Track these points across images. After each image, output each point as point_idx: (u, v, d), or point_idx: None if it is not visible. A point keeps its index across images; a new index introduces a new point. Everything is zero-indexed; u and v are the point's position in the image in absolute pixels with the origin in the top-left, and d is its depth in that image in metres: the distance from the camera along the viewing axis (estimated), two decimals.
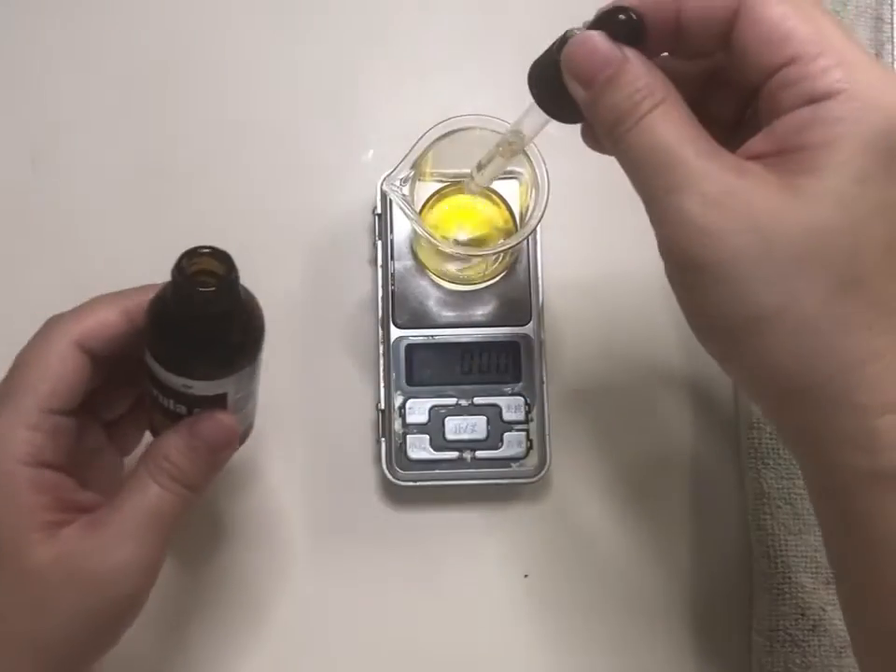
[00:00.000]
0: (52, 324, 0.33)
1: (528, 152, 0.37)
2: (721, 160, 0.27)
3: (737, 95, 0.30)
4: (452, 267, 0.43)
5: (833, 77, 0.26)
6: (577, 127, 0.47)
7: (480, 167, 0.36)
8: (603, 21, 0.28)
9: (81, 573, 0.30)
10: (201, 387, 0.31)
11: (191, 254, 0.28)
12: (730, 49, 0.28)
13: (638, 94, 0.27)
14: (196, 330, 0.29)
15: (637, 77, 0.27)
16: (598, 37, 0.28)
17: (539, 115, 0.32)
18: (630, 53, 0.27)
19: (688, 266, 0.27)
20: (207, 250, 0.29)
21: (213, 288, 0.28)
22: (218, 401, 0.32)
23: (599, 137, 0.30)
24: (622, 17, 0.28)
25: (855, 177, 0.25)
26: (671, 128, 0.27)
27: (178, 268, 0.28)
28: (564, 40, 0.29)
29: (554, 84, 0.29)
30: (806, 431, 0.28)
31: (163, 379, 0.31)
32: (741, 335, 0.27)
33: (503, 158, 0.35)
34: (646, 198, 0.28)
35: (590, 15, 0.29)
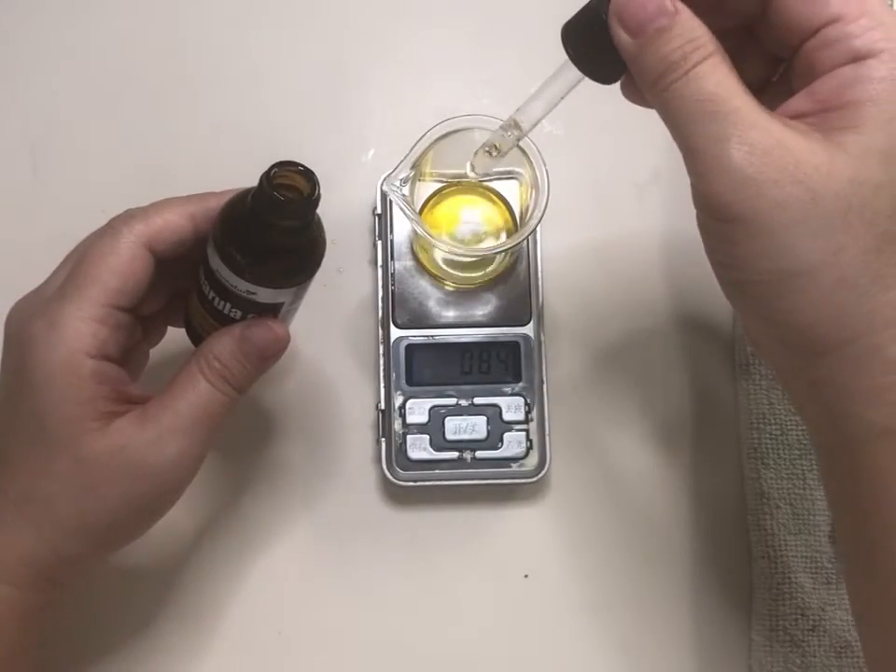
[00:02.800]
0: (122, 222, 0.33)
1: (528, 152, 0.37)
2: (767, 113, 0.27)
3: (766, 59, 0.31)
4: (452, 267, 0.43)
5: (874, 36, 0.26)
6: (577, 127, 0.47)
7: (490, 145, 0.36)
8: None
9: (133, 463, 0.32)
10: (264, 295, 0.32)
11: (282, 165, 0.30)
12: (770, 9, 0.28)
13: (689, 45, 0.27)
14: (273, 239, 0.31)
15: (690, 28, 0.27)
16: None
17: (570, 76, 0.31)
18: (680, 6, 0.28)
19: (728, 217, 0.27)
20: (298, 167, 0.30)
21: (297, 202, 0.30)
22: (273, 310, 0.33)
23: (642, 88, 0.29)
24: None
25: None
26: (721, 79, 0.27)
27: (267, 177, 0.30)
28: None
29: (594, 39, 0.29)
30: (827, 386, 0.28)
31: (228, 283, 0.32)
32: (777, 289, 0.27)
33: (520, 130, 0.34)
34: (688, 147, 0.28)
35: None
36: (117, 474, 0.32)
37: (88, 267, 0.32)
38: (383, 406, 0.42)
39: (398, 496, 0.43)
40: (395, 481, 0.42)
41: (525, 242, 0.43)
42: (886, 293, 0.26)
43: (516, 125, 0.34)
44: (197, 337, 0.35)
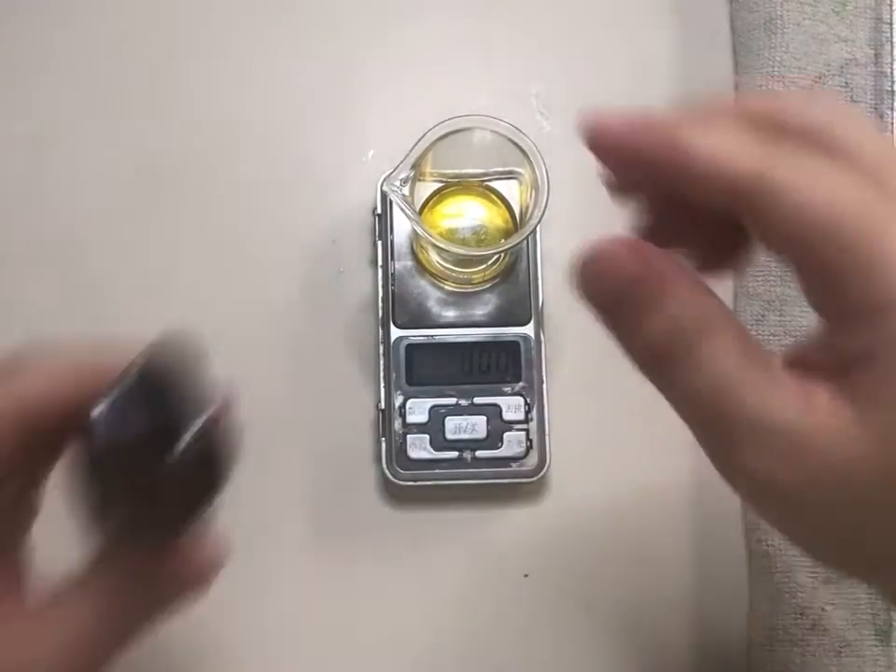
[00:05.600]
0: None
1: (528, 152, 0.37)
2: (781, 397, 0.21)
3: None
4: (452, 267, 0.43)
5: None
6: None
7: None
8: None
9: None
10: None
11: None
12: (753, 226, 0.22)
13: (681, 323, 0.22)
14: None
15: (679, 300, 0.22)
16: (620, 246, 0.23)
17: None
18: (663, 264, 0.22)
19: (778, 519, 0.24)
20: None
21: None
22: None
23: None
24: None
25: None
26: (722, 363, 0.21)
27: None
28: None
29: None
30: None
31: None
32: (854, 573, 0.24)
33: None
34: (702, 446, 0.23)
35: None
36: None
37: None
38: (383, 406, 0.42)
39: (397, 495, 0.43)
40: (395, 480, 0.42)
41: (525, 242, 0.43)
42: None
43: None
44: None
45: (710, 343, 0.21)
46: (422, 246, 0.43)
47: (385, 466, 0.42)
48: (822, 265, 0.20)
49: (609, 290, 0.22)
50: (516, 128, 0.37)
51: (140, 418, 0.23)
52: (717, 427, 0.22)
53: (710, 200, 0.22)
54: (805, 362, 0.22)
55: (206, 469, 0.26)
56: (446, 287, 0.43)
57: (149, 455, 0.24)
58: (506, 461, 0.42)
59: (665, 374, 0.22)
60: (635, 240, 0.23)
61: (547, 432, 0.42)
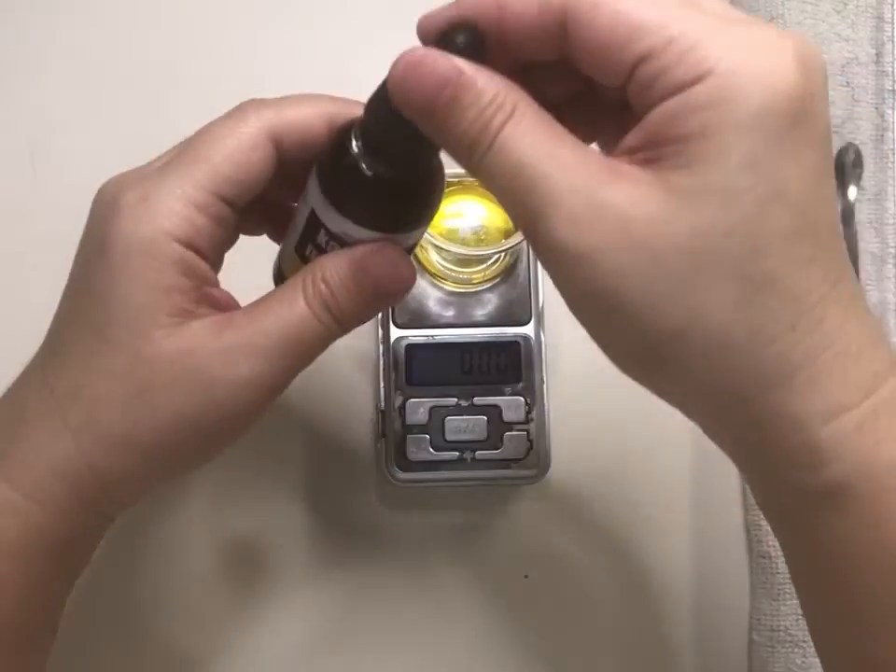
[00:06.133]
0: (252, 106, 0.29)
1: None
2: (587, 167, 0.23)
3: (577, 78, 0.26)
4: (452, 267, 0.43)
5: (692, 59, 0.22)
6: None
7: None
8: (435, 40, 0.24)
9: (198, 372, 0.27)
10: (364, 236, 0.28)
11: None
12: (572, 60, 0.24)
13: (488, 112, 0.23)
14: (387, 173, 0.27)
15: (482, 89, 0.23)
16: (423, 53, 0.24)
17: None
18: (463, 64, 0.23)
19: (577, 298, 0.24)
20: None
21: (418, 128, 0.25)
22: None
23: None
24: (456, 31, 0.24)
25: (740, 165, 0.22)
26: (526, 141, 0.23)
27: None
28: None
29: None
30: (749, 451, 0.25)
31: (324, 217, 0.28)
32: (653, 362, 0.24)
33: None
34: (517, 226, 0.25)
35: None
36: (177, 381, 0.27)
37: (200, 145, 0.28)
38: (383, 406, 0.42)
39: (397, 496, 0.43)
40: (395, 481, 0.42)
41: (525, 242, 0.43)
42: (769, 345, 0.23)
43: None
44: None
45: (518, 122, 0.23)
46: (422, 246, 0.43)
47: (384, 466, 0.42)
48: (639, 59, 0.22)
49: (423, 96, 0.24)
50: None
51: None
52: (525, 201, 0.23)
53: (543, 38, 0.24)
54: (618, 152, 0.24)
55: (430, 195, 0.28)
56: (446, 286, 0.43)
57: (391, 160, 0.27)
58: (506, 462, 0.42)
59: (481, 163, 0.24)
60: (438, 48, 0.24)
61: (547, 432, 0.42)
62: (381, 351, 0.43)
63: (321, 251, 0.29)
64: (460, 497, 0.43)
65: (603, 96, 0.25)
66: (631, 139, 0.23)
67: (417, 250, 0.43)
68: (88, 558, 0.30)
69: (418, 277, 0.43)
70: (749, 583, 0.43)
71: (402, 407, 0.42)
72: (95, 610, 0.42)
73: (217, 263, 0.31)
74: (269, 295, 0.29)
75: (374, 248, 0.28)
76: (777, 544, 0.41)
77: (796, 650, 0.41)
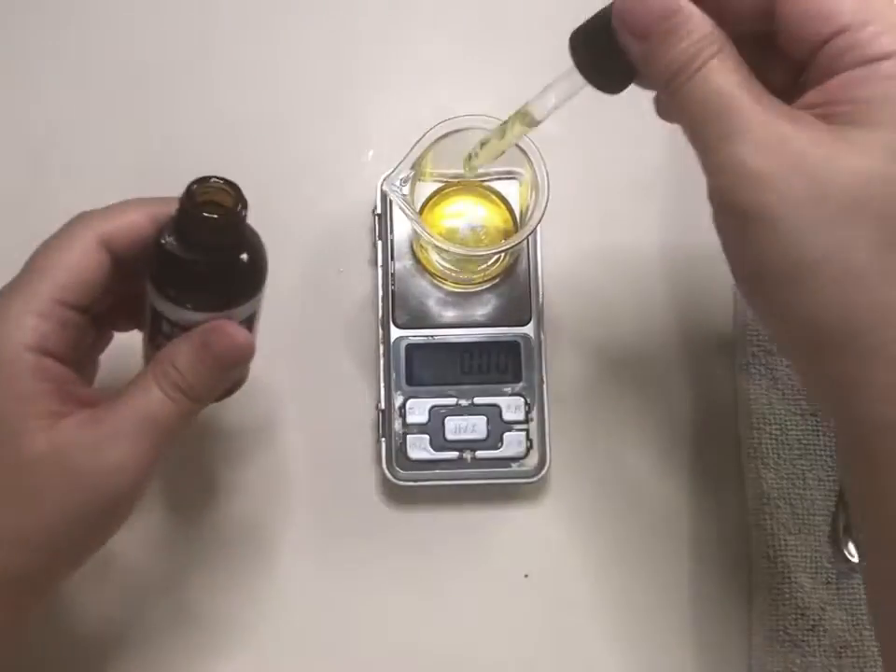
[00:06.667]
0: (80, 219, 0.32)
1: (528, 152, 0.37)
2: (774, 108, 0.27)
3: (789, 63, 0.30)
4: (452, 267, 0.43)
5: (883, 41, 0.27)
6: (577, 127, 0.47)
7: (484, 143, 0.35)
8: None
9: (75, 467, 0.30)
10: (200, 318, 0.31)
11: (202, 182, 0.29)
12: (777, 21, 0.28)
13: (697, 45, 0.27)
14: (209, 261, 0.30)
15: (696, 27, 0.28)
16: None
17: (574, 83, 0.31)
18: (685, 3, 0.28)
19: (738, 212, 0.27)
20: (220, 181, 0.29)
21: (224, 218, 0.29)
22: None
23: (657, 91, 0.30)
24: None
25: None
26: (728, 76, 0.27)
27: (188, 196, 0.29)
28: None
29: (601, 47, 0.29)
30: (839, 383, 0.28)
31: (170, 317, 0.31)
32: (784, 283, 0.27)
33: (516, 129, 0.34)
34: (701, 147, 0.28)
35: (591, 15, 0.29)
36: (53, 480, 0.30)
37: (38, 261, 0.31)
38: (383, 406, 0.42)
39: (398, 496, 0.43)
40: (395, 481, 0.42)
41: (525, 242, 0.43)
42: (892, 290, 0.26)
43: (525, 118, 0.33)
44: None
45: (723, 60, 0.28)
46: (422, 246, 0.43)
47: (384, 466, 0.42)
48: (835, 33, 0.27)
49: (645, 21, 0.28)
50: None
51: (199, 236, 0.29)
52: (719, 122, 0.27)
53: (755, 6, 0.28)
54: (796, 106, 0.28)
55: (251, 269, 0.31)
56: (446, 286, 0.43)
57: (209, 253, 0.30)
58: (506, 461, 0.42)
59: (681, 87, 0.28)
60: None
61: (547, 432, 0.42)
62: (381, 351, 0.43)
63: (168, 339, 0.32)
64: (460, 496, 0.43)
65: (777, 70, 0.30)
66: (812, 97, 0.28)
67: (417, 250, 0.43)
68: (13, 641, 0.32)
69: (418, 277, 0.43)
70: (750, 583, 0.43)
71: (402, 407, 0.42)
72: (95, 640, 0.42)
73: (84, 363, 0.35)
74: (126, 387, 0.31)
75: (211, 327, 0.31)
76: (776, 544, 0.41)
77: (795, 650, 0.41)
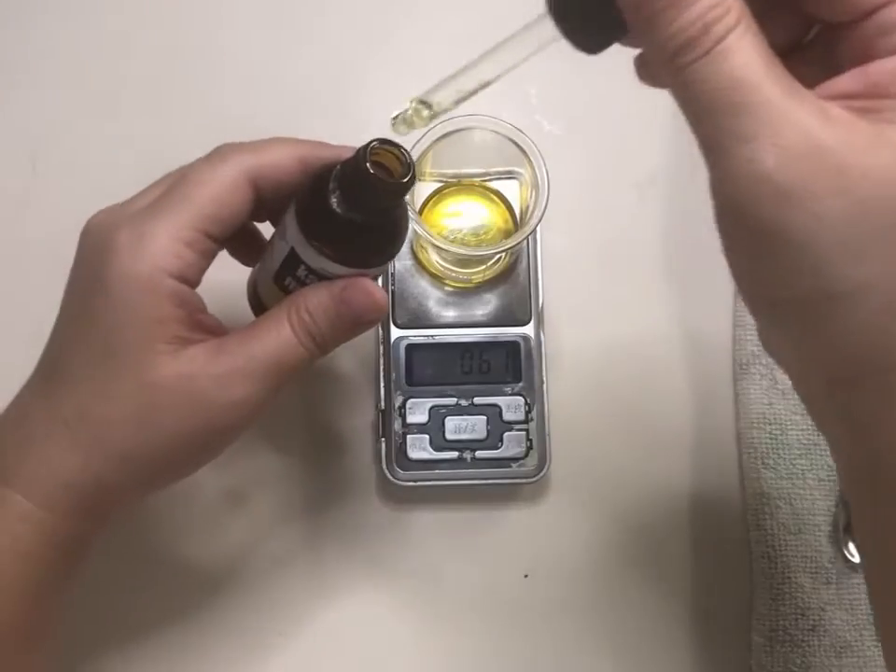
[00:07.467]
0: (231, 151, 0.32)
1: (528, 152, 0.37)
2: (804, 104, 0.22)
3: (798, 19, 0.25)
4: (452, 267, 0.43)
5: None
6: (577, 127, 0.47)
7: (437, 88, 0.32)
8: None
9: (199, 394, 0.30)
10: (341, 272, 0.31)
11: (382, 142, 0.29)
12: None
13: (712, 13, 0.22)
14: (365, 219, 0.30)
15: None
16: None
17: (542, 35, 0.26)
18: None
19: (758, 229, 0.23)
20: (396, 147, 0.29)
21: (393, 183, 0.29)
22: None
23: (655, 65, 0.25)
24: None
25: None
26: (749, 59, 0.22)
27: (365, 152, 0.29)
28: None
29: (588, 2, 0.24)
30: (857, 413, 0.25)
31: (309, 263, 0.31)
32: (814, 312, 0.23)
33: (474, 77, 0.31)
34: (710, 144, 0.23)
35: None
36: (178, 404, 0.30)
37: (187, 187, 0.31)
38: (383, 406, 0.42)
39: (398, 496, 0.43)
40: (395, 481, 0.42)
41: (525, 242, 0.43)
42: None
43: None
44: (262, 310, 0.34)
45: (742, 35, 0.22)
46: (422, 246, 0.43)
47: (384, 466, 0.42)
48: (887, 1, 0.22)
49: None
50: (516, 128, 0.37)
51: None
52: (736, 118, 0.22)
53: None
54: (825, 92, 0.23)
55: (397, 233, 0.31)
56: (446, 286, 0.43)
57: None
58: (506, 461, 0.42)
59: (688, 68, 0.22)
60: None
61: (547, 432, 0.42)
62: (381, 351, 0.43)
63: (301, 283, 0.32)
64: (460, 496, 0.43)
65: (778, 22, 0.25)
66: (848, 83, 0.23)
67: (417, 250, 0.43)
68: (87, 556, 0.33)
69: (418, 277, 0.43)
70: (750, 583, 0.43)
71: (402, 407, 0.42)
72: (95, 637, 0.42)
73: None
74: (257, 323, 0.32)
75: (352, 283, 0.31)
76: (776, 544, 0.41)
77: (795, 650, 0.41)
